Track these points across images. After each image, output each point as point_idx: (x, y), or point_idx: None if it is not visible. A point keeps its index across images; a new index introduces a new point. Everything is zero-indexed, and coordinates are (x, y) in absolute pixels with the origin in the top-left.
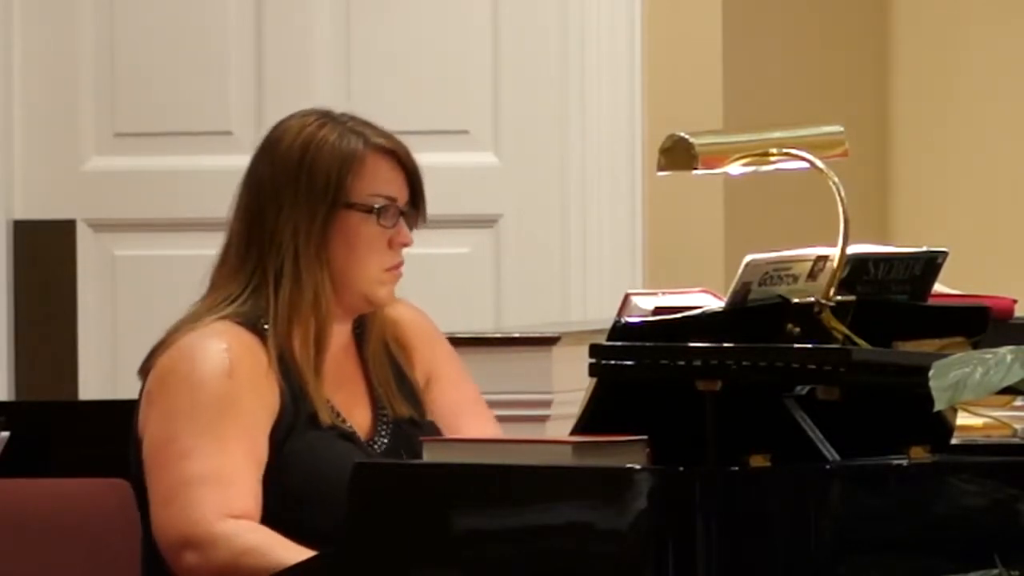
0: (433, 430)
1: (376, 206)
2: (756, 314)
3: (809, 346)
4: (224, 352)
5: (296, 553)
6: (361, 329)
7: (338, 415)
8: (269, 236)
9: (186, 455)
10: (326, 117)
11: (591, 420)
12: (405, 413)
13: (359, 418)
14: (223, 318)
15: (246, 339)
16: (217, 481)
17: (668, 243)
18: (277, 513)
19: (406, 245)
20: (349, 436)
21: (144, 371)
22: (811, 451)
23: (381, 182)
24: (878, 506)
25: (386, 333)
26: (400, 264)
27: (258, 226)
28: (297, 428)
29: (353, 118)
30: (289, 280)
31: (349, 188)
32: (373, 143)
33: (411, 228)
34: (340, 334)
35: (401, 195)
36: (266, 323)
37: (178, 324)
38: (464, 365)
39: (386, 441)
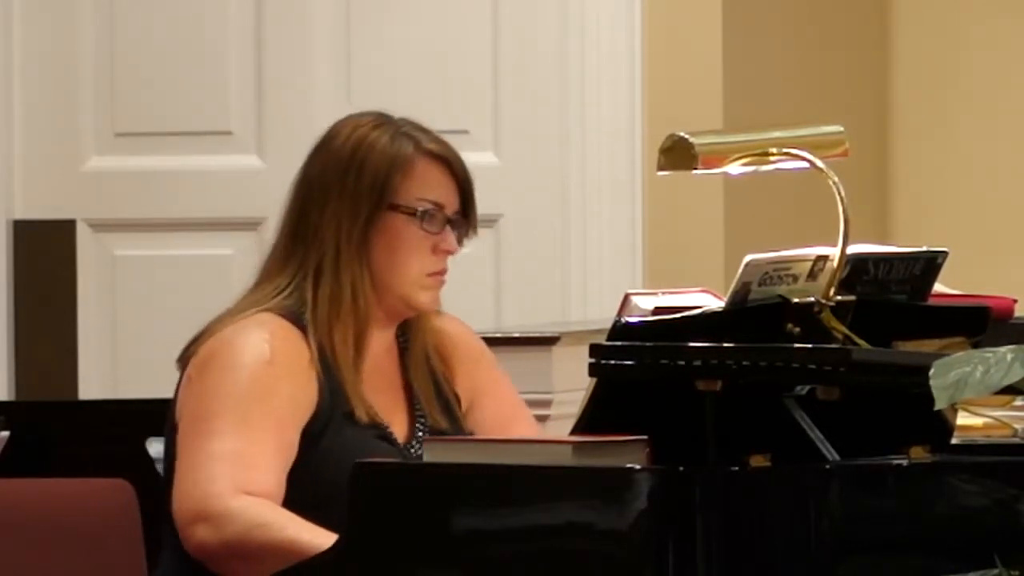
0: None
1: (420, 210)
2: (756, 314)
3: (809, 346)
4: (265, 341)
5: (309, 531)
6: (405, 336)
7: (377, 417)
8: (313, 231)
9: (213, 434)
10: (382, 119)
11: (591, 420)
12: (442, 424)
13: (397, 423)
14: (266, 310)
15: (289, 331)
16: (238, 460)
17: (668, 243)
18: (309, 509)
19: (450, 253)
20: (387, 438)
21: (183, 360)
22: (811, 451)
23: (429, 187)
24: (878, 506)
25: (428, 343)
26: (443, 271)
27: (304, 222)
28: (333, 424)
29: (409, 122)
30: (330, 276)
31: (395, 189)
32: (425, 148)
33: (462, 238)
34: (383, 338)
35: (449, 203)
36: (308, 317)
37: (221, 315)
38: (505, 375)
39: (421, 448)
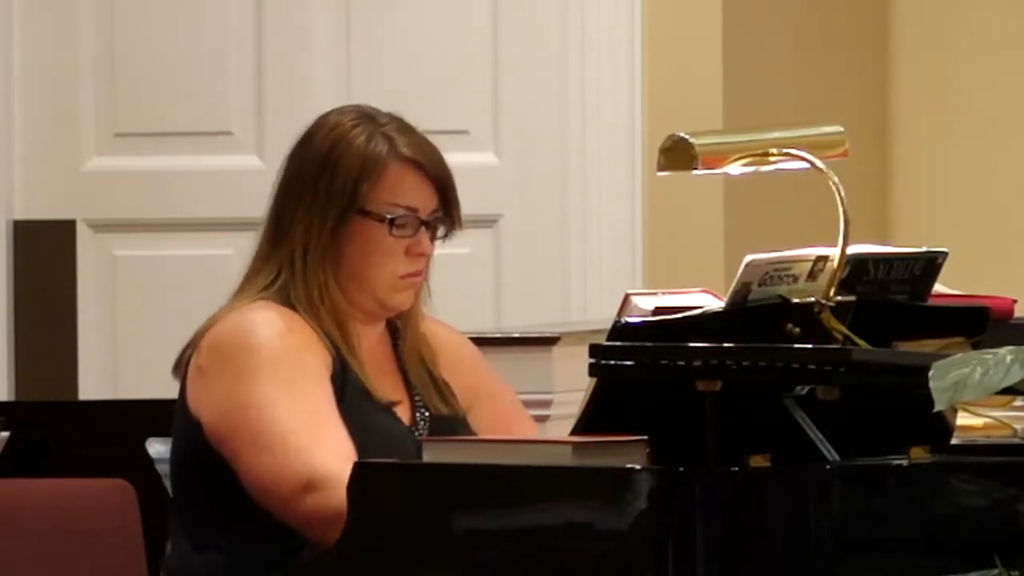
0: (467, 428)
1: (390, 216)
2: (756, 314)
3: (809, 346)
4: (274, 318)
5: None
6: (397, 333)
7: (386, 398)
8: (287, 230)
9: (275, 415)
10: (362, 117)
11: (591, 420)
12: (442, 411)
13: (400, 410)
14: (261, 299)
15: (288, 313)
16: (316, 429)
17: (668, 243)
18: None
19: (423, 255)
20: (397, 418)
21: (183, 364)
22: (811, 451)
23: (401, 192)
24: (878, 506)
25: (419, 343)
26: (417, 273)
27: (280, 219)
28: (348, 397)
29: (393, 120)
30: (300, 277)
31: (365, 194)
32: (399, 152)
33: (448, 233)
34: (372, 332)
35: (425, 205)
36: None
37: (215, 314)
38: (498, 375)
39: (424, 434)
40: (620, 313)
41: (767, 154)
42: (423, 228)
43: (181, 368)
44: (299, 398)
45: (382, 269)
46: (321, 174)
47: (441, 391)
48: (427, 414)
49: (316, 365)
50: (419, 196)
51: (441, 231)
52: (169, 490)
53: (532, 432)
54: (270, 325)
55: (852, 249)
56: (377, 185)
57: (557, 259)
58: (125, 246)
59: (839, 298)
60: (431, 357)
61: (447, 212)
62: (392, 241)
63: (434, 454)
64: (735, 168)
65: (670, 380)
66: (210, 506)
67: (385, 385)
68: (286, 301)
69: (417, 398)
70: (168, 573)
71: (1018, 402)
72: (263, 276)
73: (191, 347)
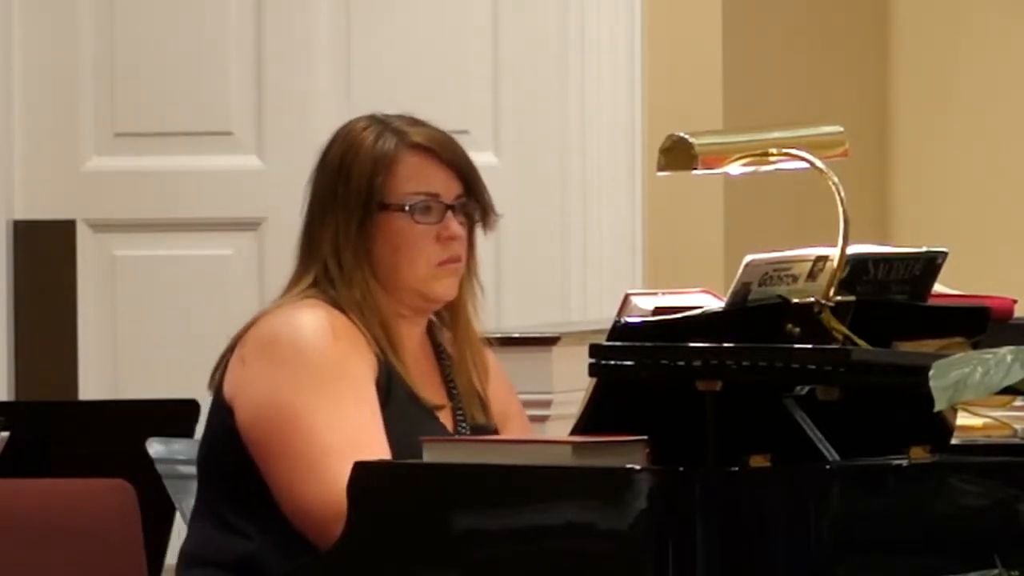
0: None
1: (409, 204)
2: (756, 314)
3: (809, 346)
4: (323, 318)
5: None
6: (439, 345)
7: (429, 403)
8: (317, 244)
9: (316, 428)
10: (372, 121)
11: (591, 420)
12: (480, 420)
13: (442, 415)
14: (309, 296)
15: (336, 313)
16: (355, 449)
17: (668, 243)
18: None
19: (454, 238)
20: (440, 423)
21: (218, 378)
22: (811, 451)
23: (417, 180)
24: (878, 506)
25: (471, 344)
26: (454, 258)
27: (309, 234)
28: (394, 401)
29: (402, 118)
30: (340, 285)
31: (382, 189)
32: (409, 142)
33: (484, 221)
34: (414, 334)
35: (446, 190)
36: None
37: (258, 315)
38: (524, 412)
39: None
40: (620, 313)
41: (767, 154)
42: (449, 212)
43: (219, 372)
44: (342, 413)
45: (415, 261)
46: (337, 183)
47: (482, 400)
48: (467, 422)
49: (362, 372)
50: (437, 181)
51: (476, 217)
52: (168, 490)
53: None
54: (318, 322)
55: (852, 249)
56: (392, 177)
57: (557, 259)
58: (125, 246)
59: (839, 298)
60: (480, 367)
61: (474, 196)
62: (420, 230)
63: (434, 454)
64: (735, 168)
65: (670, 380)
66: (236, 490)
67: (429, 389)
68: (332, 302)
69: (459, 408)
70: (189, 554)
71: (1018, 402)
72: (302, 285)
73: (232, 347)
